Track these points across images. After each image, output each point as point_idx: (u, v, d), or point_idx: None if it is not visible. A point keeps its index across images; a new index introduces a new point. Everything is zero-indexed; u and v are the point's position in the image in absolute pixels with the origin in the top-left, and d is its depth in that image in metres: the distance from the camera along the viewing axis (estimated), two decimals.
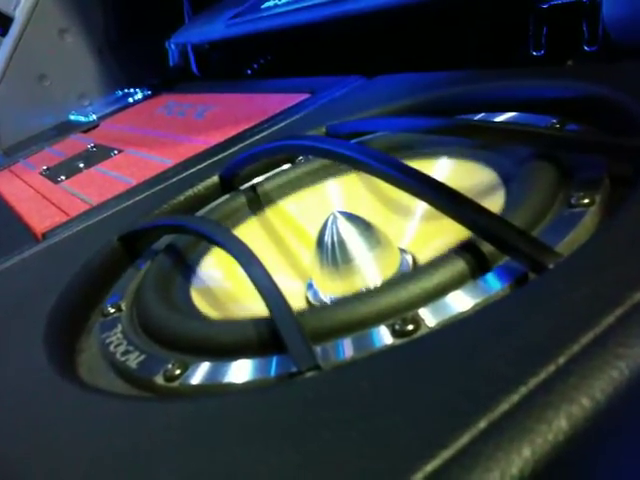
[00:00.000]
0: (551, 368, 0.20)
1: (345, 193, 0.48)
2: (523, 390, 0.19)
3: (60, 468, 0.25)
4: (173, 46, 1.22)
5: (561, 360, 0.20)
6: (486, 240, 0.28)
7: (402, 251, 0.41)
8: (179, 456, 0.23)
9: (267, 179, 0.50)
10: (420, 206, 0.44)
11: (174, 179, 0.57)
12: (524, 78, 0.46)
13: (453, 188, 0.30)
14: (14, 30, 1.24)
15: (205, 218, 0.44)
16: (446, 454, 0.18)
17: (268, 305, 0.29)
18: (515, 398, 0.19)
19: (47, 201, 0.67)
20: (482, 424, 0.19)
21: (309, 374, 0.25)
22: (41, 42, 1.27)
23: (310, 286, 0.42)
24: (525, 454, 0.18)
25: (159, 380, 0.30)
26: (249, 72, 1.05)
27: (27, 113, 1.27)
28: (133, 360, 0.33)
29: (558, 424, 0.18)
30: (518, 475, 0.17)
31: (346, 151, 0.35)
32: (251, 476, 0.21)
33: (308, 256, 0.45)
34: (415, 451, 0.19)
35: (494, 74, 0.49)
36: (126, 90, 1.28)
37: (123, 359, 0.33)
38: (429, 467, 0.18)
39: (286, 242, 0.47)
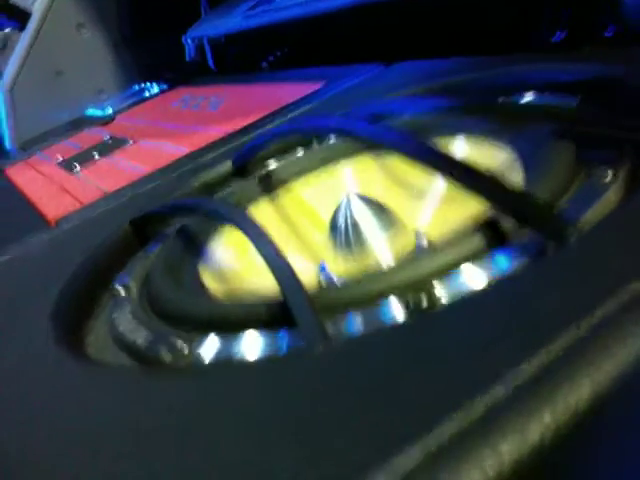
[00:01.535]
0: (573, 335, 0.19)
1: (359, 177, 0.48)
2: (543, 357, 0.18)
3: (59, 437, 0.24)
4: (190, 41, 1.22)
5: (584, 327, 0.19)
6: (506, 214, 0.27)
7: (417, 234, 0.41)
8: (184, 430, 0.22)
9: (281, 164, 0.49)
10: (435, 189, 0.44)
11: (188, 166, 0.56)
12: (541, 62, 0.45)
13: (472, 164, 0.29)
14: (31, 25, 1.25)
15: (216, 198, 0.43)
16: (464, 420, 0.17)
17: (277, 278, 0.28)
18: (535, 364, 0.18)
19: (61, 189, 0.67)
20: (500, 391, 0.18)
21: (318, 347, 0.24)
22: (58, 37, 1.27)
23: (322, 268, 0.41)
24: (546, 420, 0.17)
25: (167, 357, 0.30)
26: (265, 65, 1.04)
27: (44, 108, 1.28)
28: (141, 338, 0.32)
29: (581, 390, 0.17)
30: (539, 441, 0.16)
31: (356, 128, 0.34)
32: (258, 450, 0.20)
33: (321, 240, 0.45)
34: (431, 417, 0.18)
35: (513, 59, 0.48)
36: (143, 85, 1.28)
37: (131, 337, 0.33)
38: (445, 431, 0.17)
39: (299, 226, 0.46)
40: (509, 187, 0.27)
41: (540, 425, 0.17)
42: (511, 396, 0.18)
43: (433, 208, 0.44)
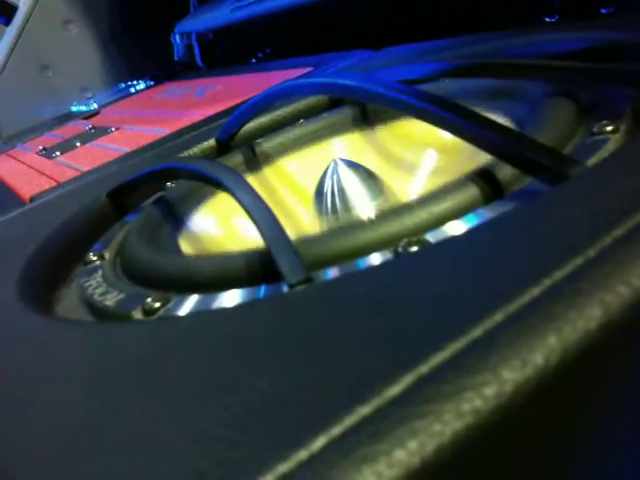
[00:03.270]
0: (579, 260, 0.17)
1: (348, 152, 0.46)
2: (547, 282, 0.17)
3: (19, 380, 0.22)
4: (178, 39, 1.20)
5: (591, 252, 0.17)
6: (507, 160, 0.25)
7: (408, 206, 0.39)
8: (143, 373, 0.20)
9: (266, 138, 0.47)
10: (426, 163, 0.42)
11: (169, 144, 0.54)
12: (538, 34, 0.44)
13: (468, 108, 0.28)
14: (18, 19, 1.23)
15: (194, 158, 0.41)
16: (457, 345, 0.15)
17: (255, 221, 0.26)
18: (536, 291, 0.16)
19: (38, 173, 0.65)
20: (498, 317, 0.16)
21: (300, 288, 0.22)
22: (45, 32, 1.25)
23: None
24: (550, 342, 0.15)
25: (137, 315, 0.28)
26: (254, 62, 1.03)
27: (29, 103, 1.25)
28: (111, 299, 0.30)
29: (590, 311, 0.15)
30: (543, 364, 0.15)
31: (343, 81, 0.32)
32: (243, 387, 0.18)
33: (308, 215, 0.43)
34: (422, 344, 0.16)
35: (508, 34, 0.47)
36: (129, 83, 1.26)
37: (101, 299, 0.30)
38: (437, 359, 0.15)
39: (285, 201, 0.44)
40: (503, 128, 0.25)
41: (545, 348, 0.15)
42: (508, 321, 0.16)
43: (424, 182, 0.42)
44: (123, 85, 1.27)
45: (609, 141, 0.27)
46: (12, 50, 1.23)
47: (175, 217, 0.39)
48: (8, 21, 1.23)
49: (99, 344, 0.24)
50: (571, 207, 0.20)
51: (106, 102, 1.14)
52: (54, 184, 0.56)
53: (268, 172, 0.46)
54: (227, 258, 0.28)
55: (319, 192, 0.37)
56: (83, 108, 1.17)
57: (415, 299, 0.18)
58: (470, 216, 0.25)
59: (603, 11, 0.48)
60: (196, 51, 1.15)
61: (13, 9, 1.22)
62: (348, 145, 0.46)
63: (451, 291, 0.18)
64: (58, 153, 0.74)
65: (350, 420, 0.14)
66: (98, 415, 0.19)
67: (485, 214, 0.25)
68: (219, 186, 0.31)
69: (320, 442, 0.14)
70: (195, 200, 0.41)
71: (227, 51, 1.11)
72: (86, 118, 1.03)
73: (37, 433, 0.20)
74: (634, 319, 0.16)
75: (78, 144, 0.77)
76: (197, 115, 0.65)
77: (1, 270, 0.37)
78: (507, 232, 0.20)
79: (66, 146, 0.78)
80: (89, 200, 0.45)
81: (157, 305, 0.27)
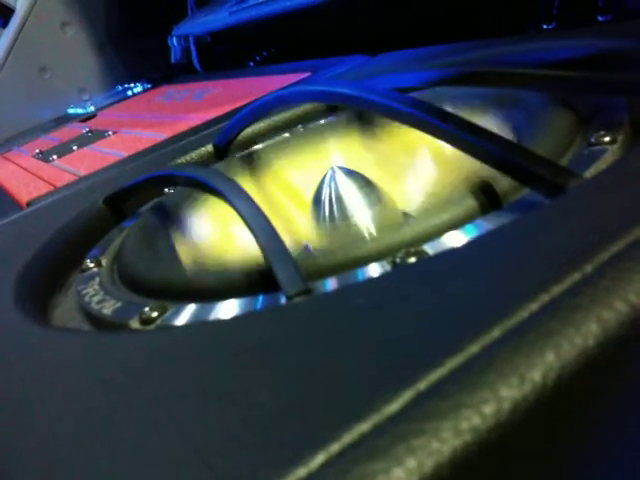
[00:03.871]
0: (577, 276, 0.17)
1: (346, 158, 0.46)
2: (545, 297, 0.17)
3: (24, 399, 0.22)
4: (175, 42, 1.20)
5: (588, 268, 0.17)
6: (500, 169, 0.25)
7: (406, 215, 0.39)
8: (139, 384, 0.20)
9: (264, 144, 0.47)
10: (424, 169, 0.42)
11: (167, 149, 0.54)
12: (535, 42, 0.44)
13: (464, 118, 0.28)
14: (15, 21, 1.22)
15: (192, 165, 0.41)
16: (455, 361, 0.15)
17: (254, 232, 0.26)
18: (534, 306, 0.16)
19: (35, 176, 0.65)
20: (495, 332, 0.16)
21: (298, 299, 0.22)
22: (42, 35, 1.25)
23: (307, 249, 0.39)
24: (549, 358, 0.15)
25: (134, 324, 0.27)
26: (252, 65, 1.03)
27: (26, 105, 1.25)
28: (108, 308, 0.30)
29: (587, 328, 0.15)
30: (541, 381, 0.15)
31: (342, 89, 0.32)
32: (241, 400, 0.18)
33: (305, 221, 0.43)
34: (421, 360, 0.16)
35: (506, 41, 0.47)
36: (126, 85, 1.26)
37: (98, 307, 0.30)
38: (435, 375, 0.15)
39: (283, 208, 0.44)
40: (500, 139, 0.26)
41: (543, 364, 0.15)
42: (505, 337, 0.16)
43: (422, 190, 0.42)
44: (120, 87, 1.27)
45: (607, 152, 0.27)
46: (9, 52, 1.23)
47: (173, 224, 0.39)
48: (5, 23, 1.23)
49: (96, 354, 0.24)
50: (569, 220, 0.20)
51: (103, 105, 1.14)
52: (51, 188, 0.56)
53: (265, 178, 0.46)
54: (225, 267, 0.28)
55: (317, 200, 0.37)
56: (80, 110, 1.17)
57: (413, 312, 0.18)
58: (468, 227, 0.25)
59: (600, 19, 0.49)
60: (193, 54, 1.15)
61: (10, 11, 1.22)
62: (346, 152, 0.46)
63: (449, 305, 0.18)
64: (55, 156, 0.74)
65: (349, 437, 0.14)
66: (94, 426, 0.19)
67: (483, 225, 0.25)
68: (216, 194, 0.31)
69: (319, 459, 0.14)
70: (193, 207, 0.41)
71: (225, 54, 1.11)
72: (83, 121, 1.03)
73: (33, 443, 0.20)
74: (631, 335, 0.16)
75: (75, 148, 0.77)
76: (195, 119, 0.65)
77: None
78: (505, 246, 0.20)
79: (63, 149, 0.78)
80: (86, 205, 0.45)
81: (154, 314, 0.27)
